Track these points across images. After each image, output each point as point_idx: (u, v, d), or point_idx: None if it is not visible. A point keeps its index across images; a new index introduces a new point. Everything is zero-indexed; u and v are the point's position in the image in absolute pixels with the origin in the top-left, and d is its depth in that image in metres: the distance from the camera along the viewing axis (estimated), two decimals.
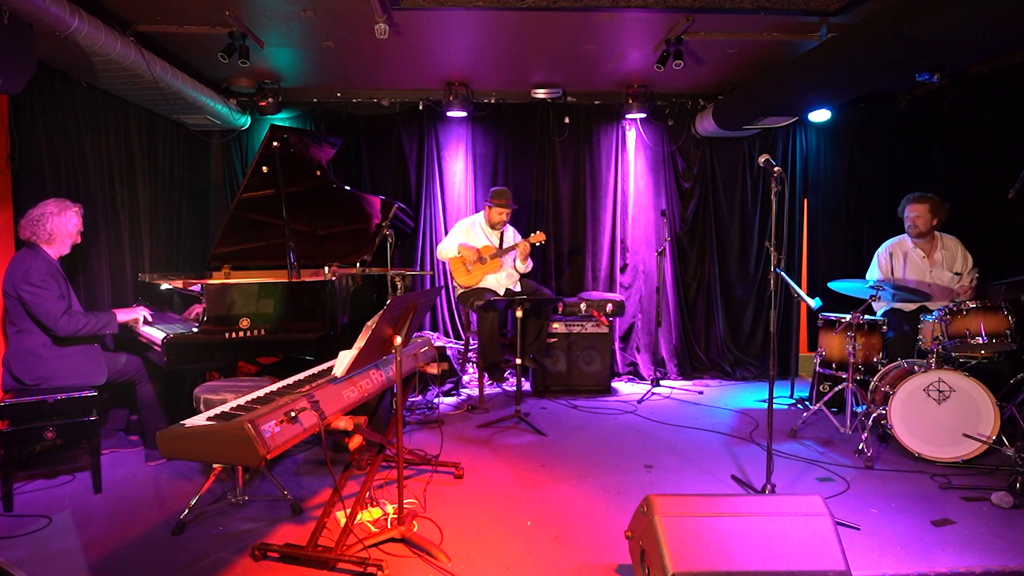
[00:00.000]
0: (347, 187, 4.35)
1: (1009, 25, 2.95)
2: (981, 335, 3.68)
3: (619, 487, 3.26)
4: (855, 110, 5.74)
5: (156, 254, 4.87)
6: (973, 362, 3.91)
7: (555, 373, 5.20)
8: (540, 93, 5.56)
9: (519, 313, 4.33)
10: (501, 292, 5.05)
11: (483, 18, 4.03)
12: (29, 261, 3.25)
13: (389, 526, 2.69)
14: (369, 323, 2.43)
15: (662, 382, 5.55)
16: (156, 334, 3.37)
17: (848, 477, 3.37)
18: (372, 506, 2.93)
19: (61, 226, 3.36)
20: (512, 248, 5.01)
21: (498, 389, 5.38)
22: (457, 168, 5.89)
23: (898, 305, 4.42)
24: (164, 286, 3.90)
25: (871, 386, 3.94)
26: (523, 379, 5.11)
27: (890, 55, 3.54)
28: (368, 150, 5.78)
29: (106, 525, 2.84)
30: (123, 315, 3.52)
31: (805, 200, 5.99)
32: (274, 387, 2.50)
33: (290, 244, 3.77)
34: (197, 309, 3.50)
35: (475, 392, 5.13)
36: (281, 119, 5.61)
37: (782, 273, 3.03)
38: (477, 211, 5.34)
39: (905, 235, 4.50)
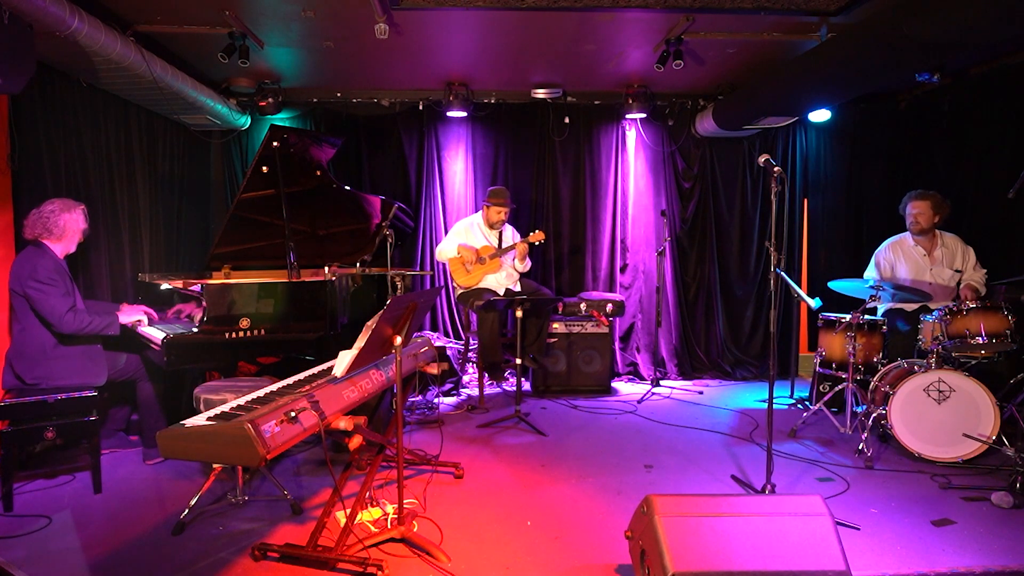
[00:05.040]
0: (347, 187, 4.35)
1: (1009, 25, 2.95)
2: (981, 335, 3.67)
3: (619, 487, 3.26)
4: (855, 110, 5.74)
5: (156, 254, 4.87)
6: (973, 362, 3.91)
7: (555, 373, 5.20)
8: (540, 93, 5.56)
9: (519, 313, 4.33)
10: (501, 292, 5.05)
11: (483, 18, 4.03)
12: (36, 259, 3.27)
13: (389, 526, 2.69)
14: (369, 323, 2.43)
15: (662, 382, 5.54)
16: (156, 334, 3.37)
17: (848, 477, 3.37)
18: (372, 506, 2.93)
19: (72, 223, 3.39)
20: (511, 248, 5.01)
21: (498, 389, 5.38)
22: (457, 168, 5.88)
23: (898, 305, 4.42)
24: (164, 286, 3.90)
25: (871, 386, 3.94)
26: (523, 379, 5.11)
27: (890, 55, 3.54)
28: (368, 150, 5.78)
29: (106, 525, 2.84)
30: (125, 317, 3.52)
31: (805, 200, 5.99)
32: (274, 387, 2.50)
33: (290, 244, 3.77)
34: (180, 307, 3.52)
35: (475, 392, 5.12)
36: (281, 119, 5.60)
37: (782, 273, 3.03)
38: (477, 211, 5.34)
39: (906, 234, 4.51)
